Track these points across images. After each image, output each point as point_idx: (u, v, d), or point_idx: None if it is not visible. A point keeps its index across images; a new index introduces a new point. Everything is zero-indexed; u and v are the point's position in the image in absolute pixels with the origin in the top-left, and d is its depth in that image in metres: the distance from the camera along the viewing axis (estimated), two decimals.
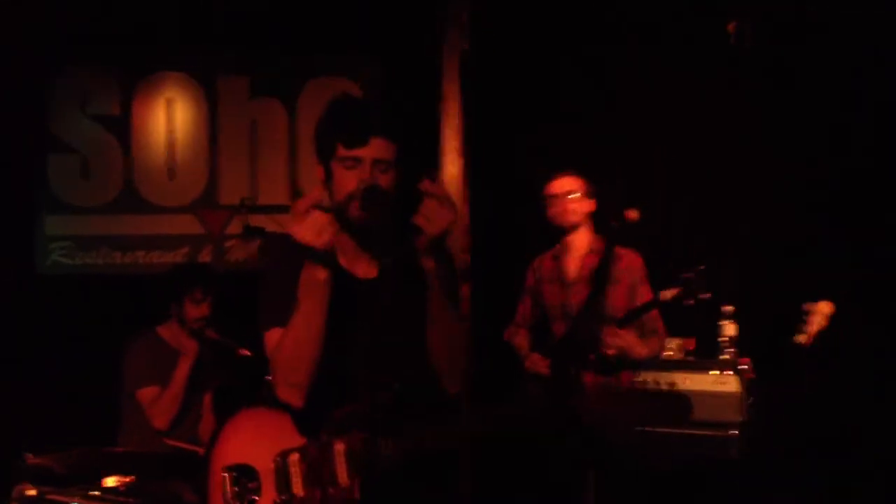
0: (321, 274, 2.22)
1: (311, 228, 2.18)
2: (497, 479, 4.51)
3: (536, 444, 3.97)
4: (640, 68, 4.92)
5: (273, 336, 2.33)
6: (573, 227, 4.16)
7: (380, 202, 2.29)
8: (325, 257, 2.22)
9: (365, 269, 2.43)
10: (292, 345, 2.26)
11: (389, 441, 2.22)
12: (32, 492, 3.31)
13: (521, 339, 4.38)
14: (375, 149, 2.31)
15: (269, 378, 2.36)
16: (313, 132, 2.43)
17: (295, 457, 2.30)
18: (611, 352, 3.87)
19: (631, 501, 3.90)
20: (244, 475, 2.35)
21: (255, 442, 2.38)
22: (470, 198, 5.13)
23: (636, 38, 4.92)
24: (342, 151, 2.32)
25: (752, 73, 4.65)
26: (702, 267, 3.72)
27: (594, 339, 3.94)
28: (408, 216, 2.26)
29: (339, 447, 2.25)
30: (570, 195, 4.12)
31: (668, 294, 3.76)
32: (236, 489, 2.35)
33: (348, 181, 2.31)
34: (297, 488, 2.29)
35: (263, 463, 2.34)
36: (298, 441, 2.32)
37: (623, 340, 3.87)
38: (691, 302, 3.68)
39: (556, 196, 4.13)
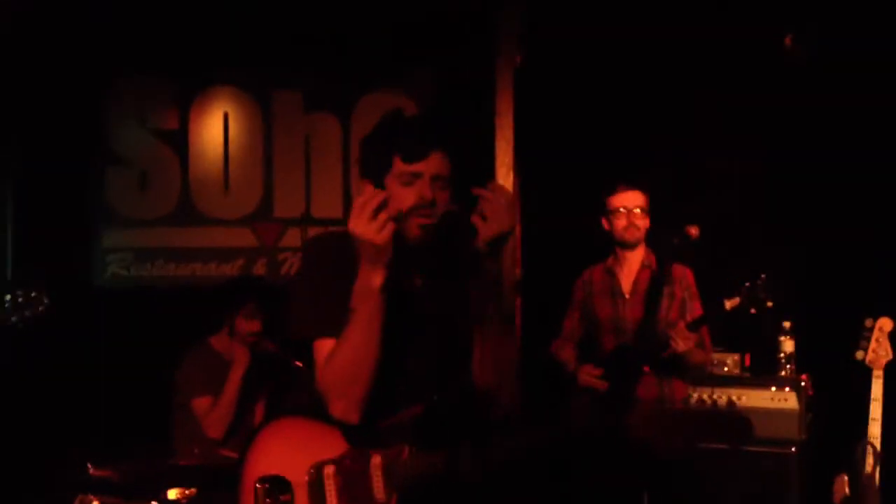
0: (377, 279, 2.14)
1: (374, 224, 2.10)
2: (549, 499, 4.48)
3: (588, 463, 3.96)
4: (695, 82, 4.88)
5: (324, 346, 2.24)
6: (637, 242, 4.17)
7: (448, 227, 2.24)
8: (384, 256, 2.14)
9: (408, 282, 2.34)
10: (350, 356, 2.18)
11: (435, 457, 2.13)
12: (95, 502, 3.36)
13: (567, 353, 4.36)
14: (434, 164, 2.24)
15: (309, 389, 2.31)
16: (360, 148, 2.36)
17: (330, 469, 2.22)
18: (680, 349, 3.88)
19: None
20: (277, 487, 2.25)
21: (290, 452, 2.29)
22: (522, 213, 5.12)
23: (692, 50, 4.89)
24: (400, 167, 2.24)
25: (807, 81, 4.60)
26: (763, 276, 3.73)
27: (650, 352, 3.96)
28: (460, 227, 2.22)
29: (377, 461, 2.18)
30: (638, 209, 4.12)
31: (731, 303, 3.77)
32: (269, 501, 2.25)
33: (405, 197, 2.23)
34: (332, 502, 2.21)
35: (298, 474, 2.25)
36: (335, 453, 2.24)
37: (690, 341, 3.91)
38: (754, 311, 3.69)
39: (624, 209, 4.13)
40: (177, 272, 5.51)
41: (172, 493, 3.40)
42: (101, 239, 5.52)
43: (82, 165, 5.46)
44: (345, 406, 2.22)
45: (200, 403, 4.14)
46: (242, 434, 4.12)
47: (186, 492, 3.40)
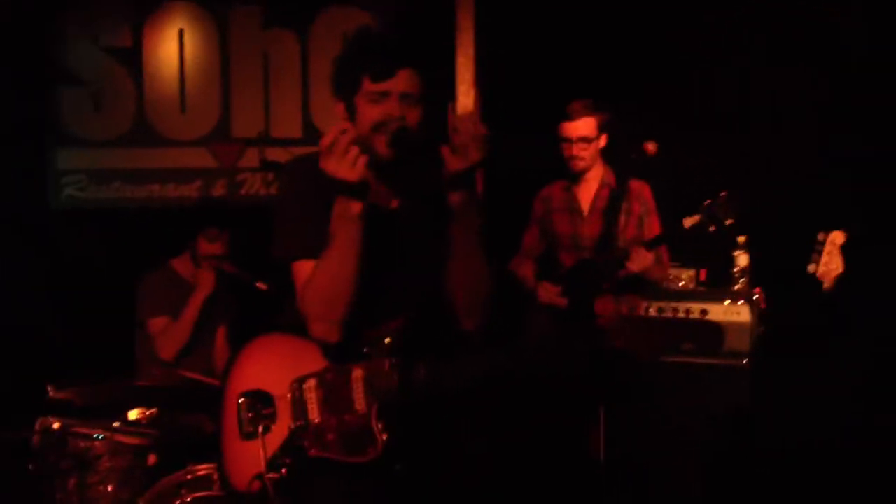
0: (356, 207, 2.18)
1: (345, 162, 2.13)
2: (510, 414, 4.56)
3: (548, 379, 4.03)
4: None
5: (304, 268, 2.28)
6: (582, 172, 4.18)
7: (409, 140, 2.25)
8: (360, 190, 2.17)
9: (385, 200, 2.38)
10: (329, 279, 2.22)
11: (420, 368, 2.20)
12: (56, 424, 3.37)
13: (526, 270, 4.39)
14: (403, 82, 2.25)
15: (296, 309, 2.32)
16: (331, 66, 2.36)
17: (311, 382, 2.30)
18: (635, 269, 3.93)
19: (638, 437, 3.96)
20: (259, 401, 2.34)
21: (271, 368, 2.37)
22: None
23: None
24: (369, 86, 2.26)
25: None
26: (723, 194, 3.76)
27: (609, 269, 4.00)
28: (430, 149, 2.23)
29: (357, 373, 2.24)
30: (582, 140, 4.11)
31: (690, 221, 3.80)
32: (251, 415, 2.34)
33: (374, 116, 2.26)
34: (314, 414, 2.28)
35: (279, 389, 2.33)
36: (316, 367, 2.31)
37: (647, 261, 3.96)
38: (713, 228, 3.73)
39: (569, 140, 4.13)
40: (134, 194, 5.45)
41: (133, 414, 3.44)
42: (55, 161, 5.44)
43: (36, 86, 5.34)
44: (325, 327, 2.28)
45: (156, 323, 4.17)
46: (198, 356, 4.15)
47: (147, 412, 3.44)
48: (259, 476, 2.27)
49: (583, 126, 4.11)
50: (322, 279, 2.23)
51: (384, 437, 2.20)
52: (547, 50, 4.96)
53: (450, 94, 4.96)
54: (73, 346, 4.70)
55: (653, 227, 4.17)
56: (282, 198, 2.45)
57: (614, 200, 4.11)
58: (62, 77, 5.40)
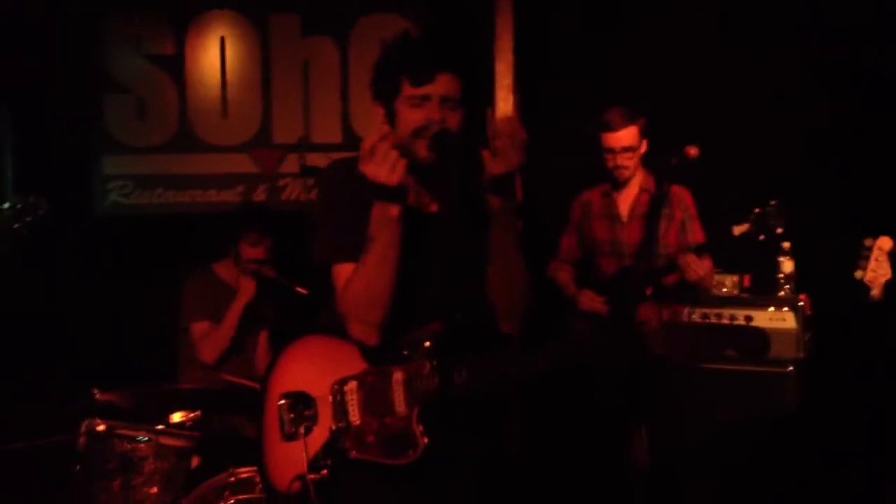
0: (394, 210, 2.19)
1: (385, 166, 2.14)
2: (546, 418, 4.54)
3: (588, 384, 4.01)
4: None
5: (343, 271, 2.29)
6: (626, 181, 4.16)
7: (450, 144, 2.25)
8: (399, 194, 2.18)
9: (426, 204, 2.39)
10: (367, 282, 2.23)
11: (462, 370, 2.19)
12: (102, 426, 3.42)
13: (565, 276, 4.38)
14: (443, 86, 2.26)
15: (336, 311, 2.33)
16: (371, 71, 2.36)
17: (353, 384, 2.30)
18: (693, 277, 3.89)
19: (680, 446, 3.93)
20: (301, 402, 2.36)
21: (313, 369, 2.37)
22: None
23: None
24: (409, 90, 2.27)
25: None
26: (774, 202, 3.72)
27: (651, 276, 3.96)
28: (471, 153, 2.23)
29: (398, 376, 2.24)
30: (626, 150, 4.07)
31: (740, 229, 3.76)
32: (292, 416, 2.35)
33: (414, 120, 2.27)
34: (354, 416, 2.29)
35: (321, 390, 2.34)
36: (356, 369, 2.31)
37: (705, 269, 3.93)
38: (763, 237, 3.69)
39: (612, 151, 4.10)
40: (176, 199, 5.49)
41: (176, 417, 3.46)
42: (101, 167, 5.50)
43: (81, 93, 5.41)
44: (364, 329, 2.30)
45: (199, 327, 4.19)
46: (240, 360, 4.17)
47: (190, 415, 3.46)
48: (300, 477, 2.28)
49: (626, 136, 4.07)
50: (361, 282, 2.24)
51: (425, 440, 2.20)
52: (585, 53, 4.95)
53: (489, 98, 4.96)
54: (118, 350, 4.75)
55: (696, 233, 4.13)
56: (321, 201, 2.45)
57: (655, 206, 4.07)
58: (107, 85, 5.46)
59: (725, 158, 4.44)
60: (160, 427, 3.47)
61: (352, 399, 2.30)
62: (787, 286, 4.27)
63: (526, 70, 4.95)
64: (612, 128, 4.06)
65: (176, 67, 5.49)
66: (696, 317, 4.15)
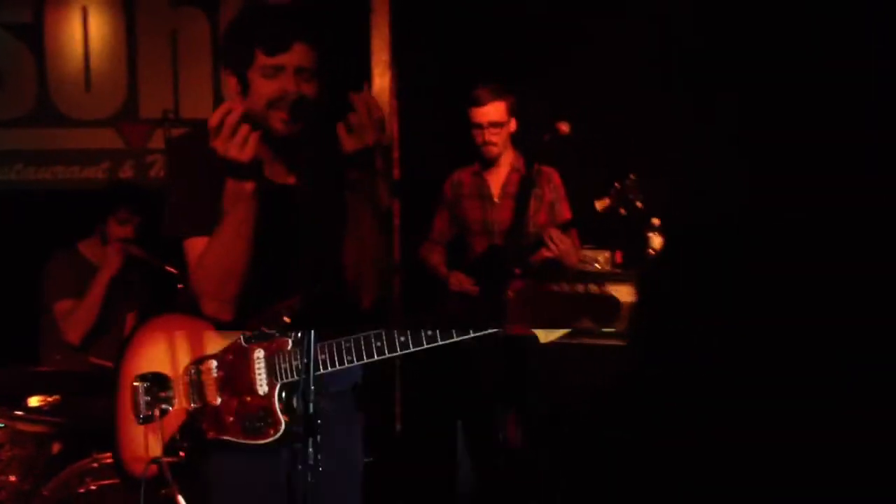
0: (248, 185, 2.13)
1: (235, 142, 2.06)
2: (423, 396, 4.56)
3: (460, 367, 4.03)
4: None
5: (195, 245, 2.23)
6: (494, 159, 4.17)
7: (307, 114, 2.19)
8: (252, 169, 2.12)
9: (282, 176, 2.34)
10: (220, 257, 2.17)
11: (324, 346, 2.15)
12: None
13: (437, 257, 4.38)
14: (298, 56, 2.19)
15: (188, 288, 2.28)
16: (222, 39, 2.30)
17: (210, 364, 2.25)
18: (552, 254, 3.91)
19: (551, 427, 3.99)
20: (156, 384, 2.29)
21: (168, 349, 2.32)
22: (399, 113, 5.06)
23: None
24: (263, 59, 2.19)
25: None
26: (632, 176, 3.77)
27: (520, 255, 3.99)
28: (330, 125, 2.19)
29: (258, 353, 2.21)
30: (494, 126, 4.08)
31: (601, 204, 3.81)
32: (147, 399, 2.29)
33: (269, 90, 2.20)
34: (212, 396, 2.24)
35: (177, 371, 2.29)
36: (215, 347, 2.26)
37: (566, 245, 3.92)
38: (624, 211, 3.74)
39: (480, 126, 4.10)
40: (38, 175, 5.27)
41: (34, 401, 3.36)
42: None
43: None
44: (217, 306, 2.23)
45: (62, 306, 4.06)
46: (108, 341, 4.04)
47: (49, 399, 3.35)
48: (156, 460, 2.22)
49: (493, 111, 4.07)
50: (214, 256, 2.18)
51: (286, 419, 2.16)
52: (461, 31, 4.94)
53: (366, 73, 4.91)
54: None
55: (563, 213, 4.17)
56: (170, 172, 2.41)
57: (525, 186, 4.10)
58: None
59: (593, 135, 4.52)
60: (18, 412, 3.34)
61: (209, 379, 2.25)
62: None
63: (403, 46, 4.92)
64: (479, 102, 4.07)
65: (35, 37, 5.24)
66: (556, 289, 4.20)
